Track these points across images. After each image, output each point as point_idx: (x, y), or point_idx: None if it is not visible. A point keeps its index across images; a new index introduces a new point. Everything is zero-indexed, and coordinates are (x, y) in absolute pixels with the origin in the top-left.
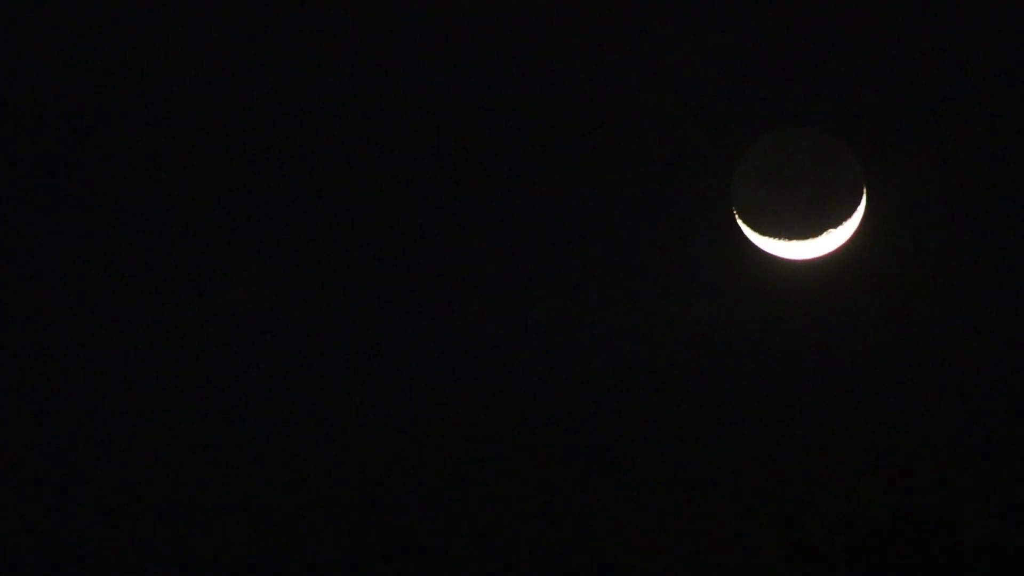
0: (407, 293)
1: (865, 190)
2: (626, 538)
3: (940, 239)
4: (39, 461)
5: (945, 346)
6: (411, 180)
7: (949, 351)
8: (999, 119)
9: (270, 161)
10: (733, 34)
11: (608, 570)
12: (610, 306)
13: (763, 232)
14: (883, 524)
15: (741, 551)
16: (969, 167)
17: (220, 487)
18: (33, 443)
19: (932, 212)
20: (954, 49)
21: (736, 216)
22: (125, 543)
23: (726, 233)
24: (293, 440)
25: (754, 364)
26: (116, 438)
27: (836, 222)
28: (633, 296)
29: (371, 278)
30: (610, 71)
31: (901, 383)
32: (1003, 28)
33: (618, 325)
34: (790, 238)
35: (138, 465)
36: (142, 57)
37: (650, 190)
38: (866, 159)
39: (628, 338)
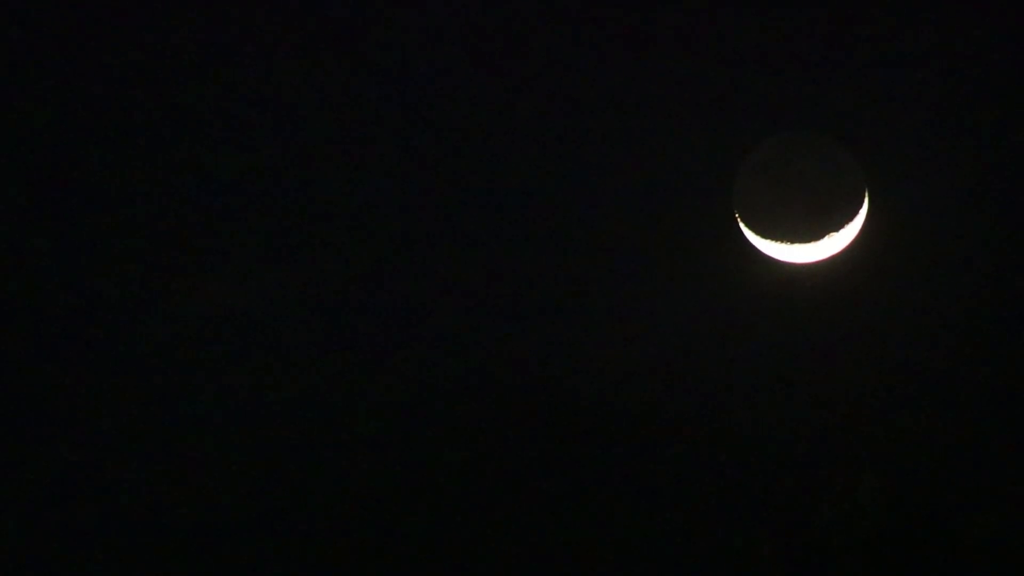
0: (406, 293)
1: (867, 194)
2: (627, 538)
3: (941, 242)
4: (35, 461)
5: (945, 348)
6: (410, 180)
7: (949, 353)
8: (1001, 122)
9: (267, 159)
10: (736, 37)
11: (608, 570)
12: (612, 308)
13: (765, 235)
14: (883, 524)
15: (741, 551)
16: (971, 171)
17: (218, 486)
18: (28, 442)
19: (933, 216)
20: (955, 52)
21: (738, 219)
22: (123, 543)
23: (728, 236)
24: (291, 440)
25: (755, 366)
26: (113, 437)
27: (838, 226)
28: (635, 298)
29: (368, 278)
30: (612, 74)
31: (901, 385)
32: (1003, 29)
33: (620, 326)
34: (792, 241)
35: (134, 464)
36: (137, 56)
37: (653, 193)
38: (868, 163)
39: (630, 339)
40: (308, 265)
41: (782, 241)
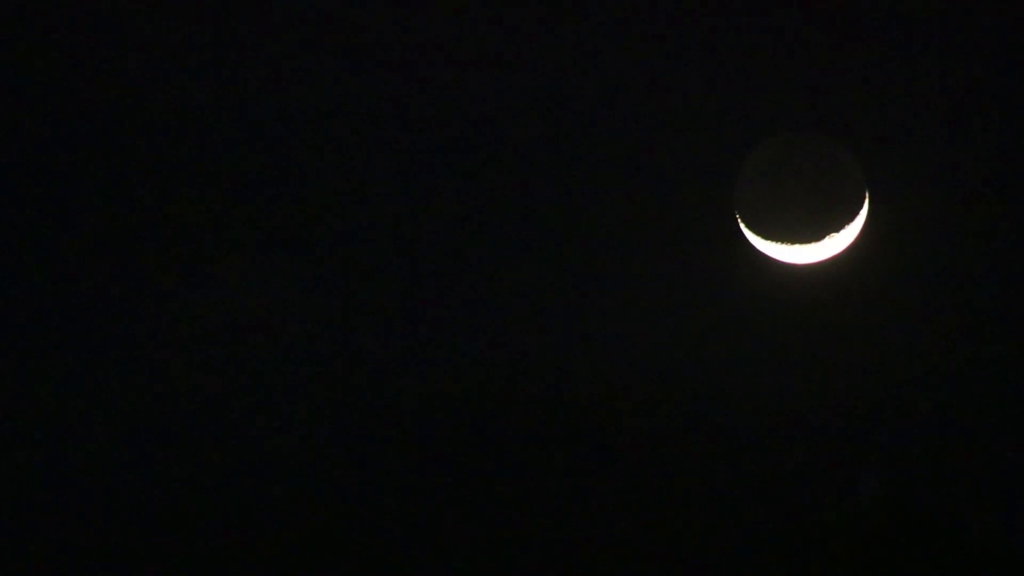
0: (407, 293)
1: (867, 194)
2: (627, 538)
3: (942, 243)
4: (36, 461)
5: (946, 347)
6: (412, 181)
7: (950, 352)
8: (1001, 123)
9: (269, 159)
10: (736, 37)
11: (609, 570)
12: (612, 309)
13: (765, 236)
14: (883, 524)
15: (741, 551)
16: (971, 172)
17: (217, 487)
18: (30, 443)
19: (934, 217)
20: (956, 52)
21: (738, 220)
22: (122, 543)
23: (728, 236)
24: (292, 440)
25: (755, 367)
26: (113, 437)
27: (838, 226)
28: (635, 299)
29: (370, 278)
30: (613, 74)
31: (902, 386)
32: (1004, 29)
33: (620, 327)
34: (792, 242)
35: (134, 465)
36: (140, 56)
37: (653, 194)
38: (868, 163)
39: (630, 340)
40: (310, 266)
41: (782, 241)
